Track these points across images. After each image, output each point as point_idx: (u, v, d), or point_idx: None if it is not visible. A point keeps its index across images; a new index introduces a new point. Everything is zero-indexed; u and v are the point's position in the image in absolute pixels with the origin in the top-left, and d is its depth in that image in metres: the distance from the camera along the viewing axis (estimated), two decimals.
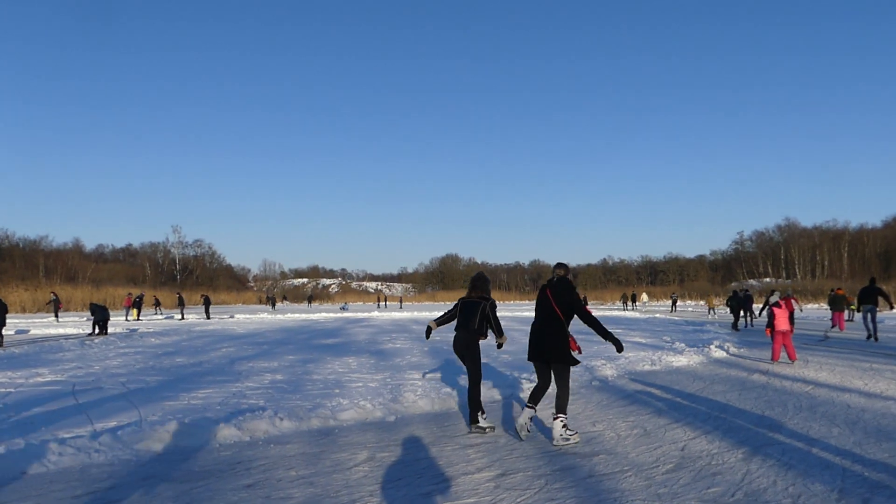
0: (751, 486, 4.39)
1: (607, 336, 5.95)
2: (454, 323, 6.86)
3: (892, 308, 16.70)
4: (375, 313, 45.60)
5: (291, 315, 42.51)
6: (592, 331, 6.03)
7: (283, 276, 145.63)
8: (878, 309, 17.42)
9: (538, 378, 6.21)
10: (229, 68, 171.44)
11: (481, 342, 6.72)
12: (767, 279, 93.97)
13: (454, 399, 7.98)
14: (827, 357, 12.77)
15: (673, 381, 9.75)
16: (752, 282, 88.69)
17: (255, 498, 4.30)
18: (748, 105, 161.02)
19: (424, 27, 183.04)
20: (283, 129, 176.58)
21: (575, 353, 5.99)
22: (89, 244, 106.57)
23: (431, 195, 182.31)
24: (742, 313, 24.38)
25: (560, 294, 6.05)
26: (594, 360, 11.82)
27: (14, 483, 4.65)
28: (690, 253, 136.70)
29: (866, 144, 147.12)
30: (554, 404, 5.95)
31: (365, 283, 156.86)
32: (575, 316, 6.10)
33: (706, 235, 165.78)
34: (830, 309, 22.62)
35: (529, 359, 6.19)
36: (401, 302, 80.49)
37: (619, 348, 5.99)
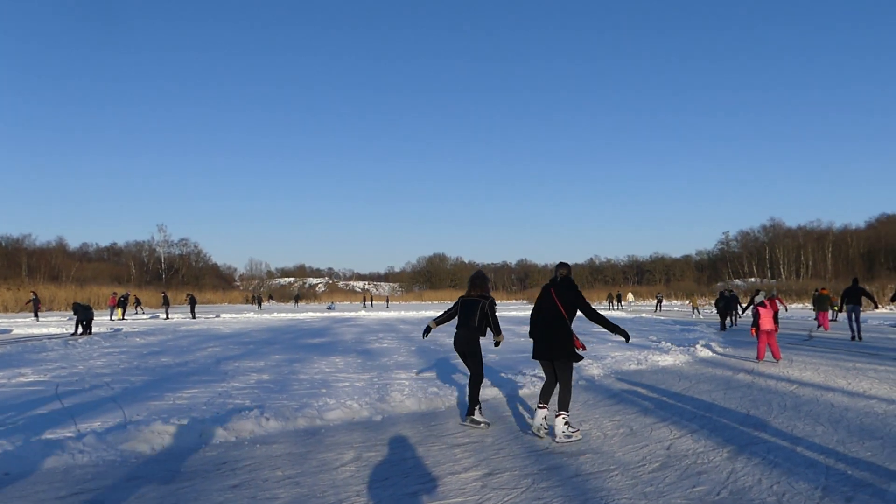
0: (736, 485, 4.41)
1: (615, 329, 6.14)
2: (454, 321, 7.00)
3: (876, 307, 16.91)
4: (362, 313, 45.52)
5: (278, 315, 42.32)
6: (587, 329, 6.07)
7: (270, 275, 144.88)
8: (861, 309, 17.61)
9: (546, 376, 6.36)
10: (216, 67, 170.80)
11: (481, 340, 6.83)
12: (752, 279, 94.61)
13: (441, 399, 7.97)
14: (811, 356, 12.88)
15: (659, 381, 9.80)
16: (737, 282, 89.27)
17: (240, 498, 4.28)
18: (734, 106, 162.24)
19: (416, 27, 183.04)
20: (271, 129, 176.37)
21: (579, 351, 6.10)
22: (73, 243, 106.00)
23: (419, 194, 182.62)
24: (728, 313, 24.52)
25: (565, 293, 6.18)
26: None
27: None
28: (676, 253, 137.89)
29: (851, 146, 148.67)
30: (556, 402, 6.08)
31: (352, 282, 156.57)
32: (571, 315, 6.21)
33: (692, 235, 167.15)
34: (815, 309, 22.82)
35: (534, 357, 6.33)
36: (387, 301, 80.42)
37: (627, 338, 6.35)
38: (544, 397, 6.22)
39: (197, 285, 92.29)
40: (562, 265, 6.45)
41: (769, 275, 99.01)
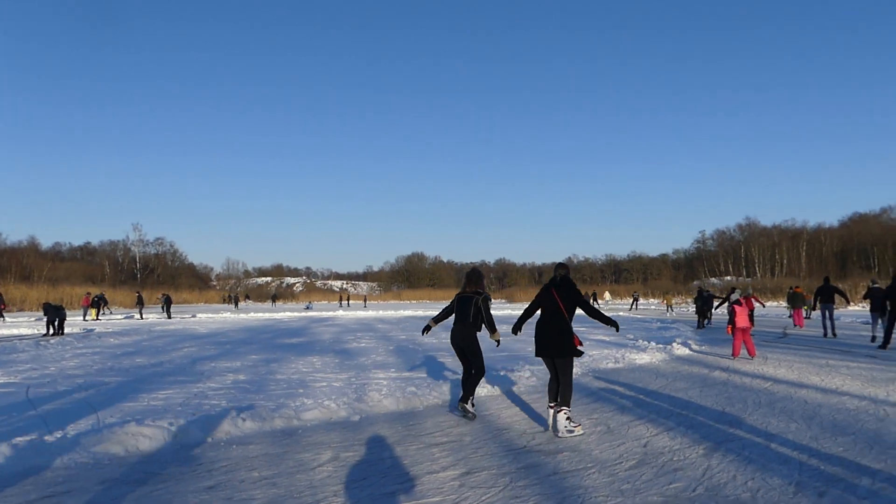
0: (711, 481, 4.45)
1: (608, 321, 6.55)
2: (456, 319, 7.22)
3: (847, 304, 17.20)
4: (340, 312, 45.35)
5: (255, 314, 42.03)
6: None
7: (247, 274, 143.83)
8: (835, 307, 17.90)
9: (550, 373, 6.59)
10: (195, 65, 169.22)
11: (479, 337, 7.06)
12: (728, 277, 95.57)
13: (419, 398, 7.95)
14: (785, 354, 13.03)
15: (636, 379, 9.85)
16: (713, 280, 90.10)
17: (216, 500, 4.24)
18: (710, 107, 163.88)
19: (385, 25, 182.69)
20: (247, 127, 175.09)
21: (578, 348, 6.32)
22: (45, 242, 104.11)
23: (398, 193, 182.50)
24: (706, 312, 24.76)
25: (565, 293, 6.40)
26: None
27: None
28: (654, 252, 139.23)
29: (825, 146, 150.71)
30: (557, 397, 6.30)
31: (330, 281, 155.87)
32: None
33: (669, 235, 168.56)
34: (789, 306, 23.12)
35: (537, 354, 6.51)
36: (365, 301, 79.95)
37: (617, 328, 6.71)
38: (552, 395, 6.48)
39: (173, 285, 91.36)
40: (561, 265, 6.68)
41: (745, 273, 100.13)
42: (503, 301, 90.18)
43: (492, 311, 7.35)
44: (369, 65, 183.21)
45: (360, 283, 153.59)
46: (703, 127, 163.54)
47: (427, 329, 7.67)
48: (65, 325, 21.92)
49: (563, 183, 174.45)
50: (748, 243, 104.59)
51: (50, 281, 68.12)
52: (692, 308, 44.13)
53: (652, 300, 73.03)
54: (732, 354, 12.32)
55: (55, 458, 5.20)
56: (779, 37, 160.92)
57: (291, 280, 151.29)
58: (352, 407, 7.34)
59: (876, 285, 15.51)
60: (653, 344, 14.43)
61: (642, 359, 12.24)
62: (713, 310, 24.33)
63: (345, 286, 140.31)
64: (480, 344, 7.19)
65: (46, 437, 5.73)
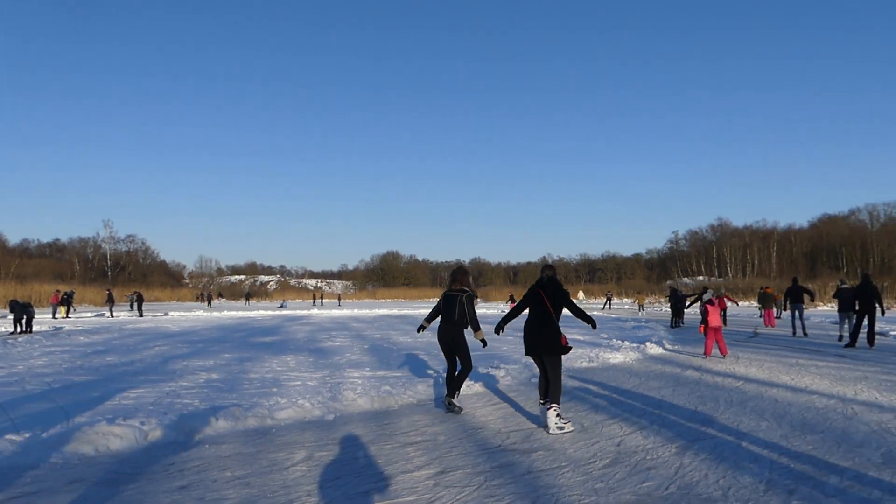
0: (684, 480, 4.49)
1: (588, 319, 6.82)
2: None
3: (812, 300, 17.64)
4: (315, 311, 45.11)
5: (228, 313, 41.59)
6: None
7: (220, 272, 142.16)
8: (804, 307, 18.22)
9: (540, 370, 6.80)
10: (170, 60, 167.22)
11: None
12: (701, 277, 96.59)
13: (394, 397, 7.94)
14: (756, 353, 13.20)
15: (609, 378, 9.92)
16: (686, 280, 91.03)
17: (188, 500, 4.20)
18: (683, 109, 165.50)
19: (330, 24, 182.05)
20: (222, 124, 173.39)
21: (566, 345, 6.48)
22: (13, 238, 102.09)
23: (373, 192, 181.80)
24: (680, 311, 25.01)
25: (553, 293, 6.62)
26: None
27: None
28: (627, 251, 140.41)
29: (795, 149, 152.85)
30: (546, 395, 6.52)
31: (304, 280, 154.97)
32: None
33: (643, 235, 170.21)
34: (760, 306, 23.45)
35: (527, 353, 6.75)
36: (339, 299, 79.44)
37: (594, 326, 6.99)
38: (542, 392, 6.73)
39: (144, 283, 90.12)
40: (548, 267, 6.96)
41: (717, 273, 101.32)
42: (478, 301, 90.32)
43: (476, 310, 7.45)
44: (350, 63, 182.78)
45: (335, 281, 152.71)
46: (676, 129, 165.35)
47: (421, 328, 7.83)
48: (33, 322, 21.54)
49: (539, 183, 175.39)
50: (720, 244, 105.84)
51: (17, 278, 66.72)
52: (665, 308, 44.68)
53: (625, 300, 73.60)
54: (704, 353, 12.47)
55: (23, 458, 5.12)
56: (751, 40, 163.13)
57: (265, 278, 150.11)
58: (326, 406, 7.31)
59: (844, 286, 15.78)
60: (627, 343, 14.52)
61: (616, 358, 12.32)
62: (686, 308, 24.58)
63: (319, 285, 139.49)
64: (467, 341, 7.35)
65: (14, 437, 5.62)
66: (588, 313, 6.92)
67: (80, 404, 7.57)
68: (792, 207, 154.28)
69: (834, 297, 16.46)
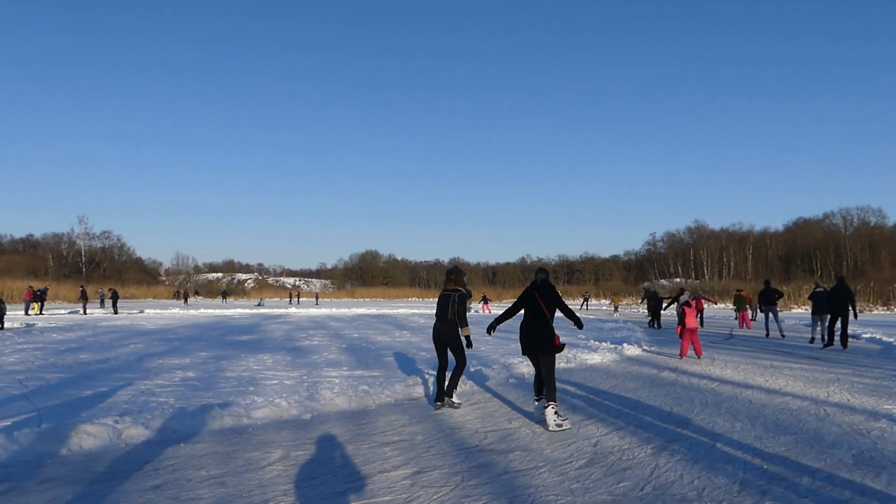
0: (659, 481, 4.53)
1: (576, 319, 7.12)
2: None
3: (780, 297, 18.14)
4: (293, 310, 44.87)
5: (205, 311, 41.26)
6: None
7: (197, 270, 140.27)
8: (779, 309, 18.52)
9: (535, 369, 7.11)
10: (148, 54, 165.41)
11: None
12: (678, 279, 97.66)
13: (372, 397, 7.92)
14: (731, 355, 13.34)
15: (587, 379, 9.97)
16: (663, 282, 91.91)
17: (162, 499, 4.15)
18: (660, 112, 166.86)
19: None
20: (200, 120, 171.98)
21: (559, 344, 6.80)
22: None
23: (352, 190, 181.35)
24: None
25: (546, 294, 6.87)
26: (511, 357, 11.99)
27: None
28: (605, 253, 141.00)
29: (771, 153, 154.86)
30: (543, 394, 6.74)
31: (282, 278, 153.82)
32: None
33: (621, 236, 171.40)
34: (735, 308, 23.76)
35: (523, 353, 7.01)
36: (317, 298, 78.93)
37: (580, 327, 7.46)
38: (538, 391, 7.00)
39: (119, 280, 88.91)
40: (541, 270, 7.24)
41: (693, 275, 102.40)
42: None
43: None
44: (325, 60, 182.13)
45: (314, 280, 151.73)
46: (655, 132, 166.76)
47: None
48: (4, 319, 21.20)
49: (518, 184, 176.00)
50: (697, 246, 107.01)
51: None
52: (642, 309, 45.09)
53: (603, 301, 74.11)
54: (680, 354, 12.59)
55: None
56: (730, 46, 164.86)
57: (243, 276, 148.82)
58: (303, 405, 7.27)
59: (819, 289, 16.01)
60: (604, 344, 14.60)
61: (593, 359, 12.38)
62: (663, 310, 24.81)
63: (298, 283, 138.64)
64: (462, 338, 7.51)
65: None
66: (577, 315, 7.15)
67: (52, 402, 7.46)
68: (767, 211, 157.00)
69: (809, 298, 16.71)
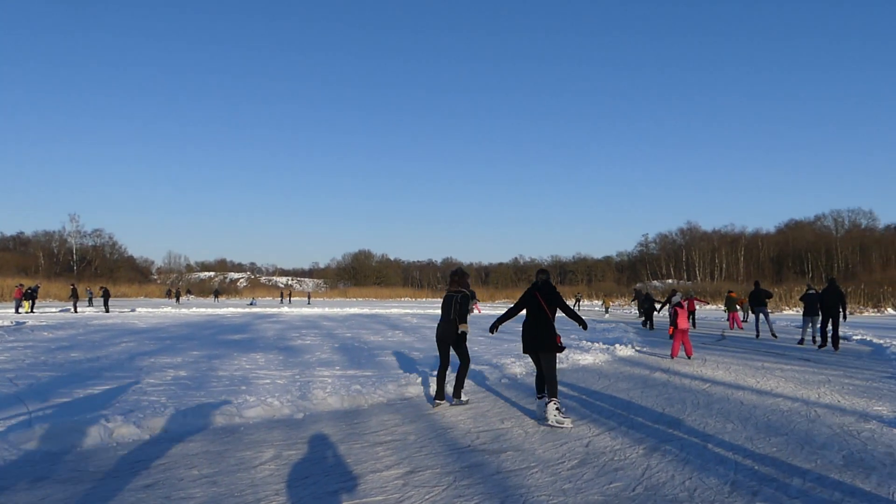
0: (650, 481, 4.54)
1: (580, 320, 7.25)
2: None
3: (769, 297, 18.44)
4: (285, 309, 44.77)
5: (197, 310, 41.12)
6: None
7: (189, 269, 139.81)
8: (769, 311, 18.65)
9: (536, 367, 7.28)
10: (141, 51, 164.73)
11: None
12: (670, 280, 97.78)
13: (364, 396, 7.91)
14: (723, 356, 13.39)
15: (579, 379, 9.99)
16: (655, 283, 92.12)
17: (154, 498, 4.14)
18: (654, 114, 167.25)
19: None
20: (193, 118, 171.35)
21: (559, 344, 6.96)
22: None
23: (344, 190, 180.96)
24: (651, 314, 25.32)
25: (548, 295, 7.07)
26: (503, 358, 12.00)
27: None
28: (598, 254, 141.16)
29: (763, 155, 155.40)
30: (544, 389, 7.06)
31: (275, 277, 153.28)
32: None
33: (613, 237, 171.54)
34: (726, 310, 23.89)
35: (524, 351, 7.20)
36: (309, 297, 78.66)
37: (585, 327, 7.35)
38: (540, 388, 7.23)
39: (111, 278, 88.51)
40: (542, 271, 7.51)
41: (685, 276, 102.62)
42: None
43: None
44: (316, 58, 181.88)
45: (306, 279, 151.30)
46: (648, 133, 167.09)
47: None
48: None
49: (511, 184, 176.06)
50: (689, 247, 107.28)
51: None
52: (633, 310, 45.31)
53: (595, 301, 74.28)
54: (671, 355, 12.64)
55: None
56: (722, 48, 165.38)
57: (235, 275, 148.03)
58: (295, 405, 7.26)
59: (811, 290, 16.10)
60: (596, 345, 14.63)
61: (586, 359, 12.40)
62: (657, 312, 24.90)
63: (290, 282, 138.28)
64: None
65: None
66: (580, 315, 7.35)
67: (43, 400, 7.42)
68: (759, 213, 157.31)
69: (800, 299, 16.80)
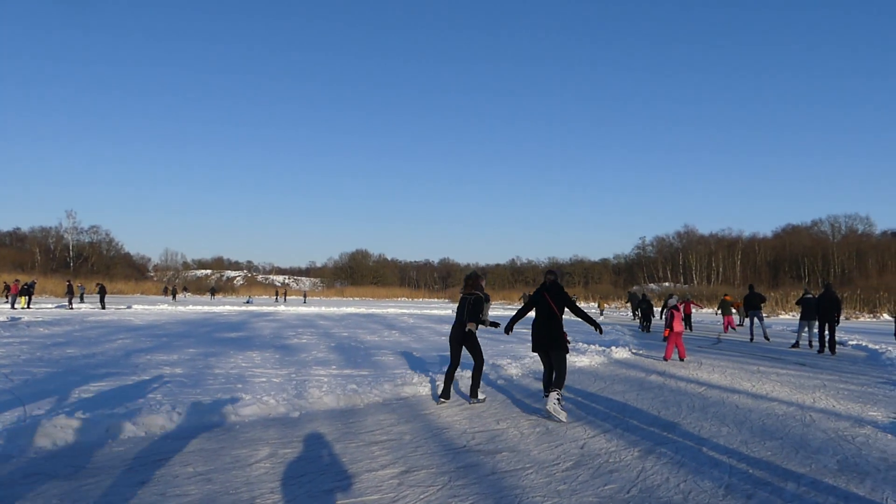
0: (645, 483, 4.55)
1: (593, 322, 7.57)
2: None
3: (764, 302, 18.61)
4: (281, 308, 44.74)
5: (193, 307, 41.11)
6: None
7: (186, 266, 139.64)
8: (765, 315, 18.73)
9: (544, 366, 7.59)
10: (139, 48, 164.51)
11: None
12: (667, 283, 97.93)
13: (360, 395, 7.91)
14: (719, 359, 13.42)
15: (575, 381, 9.99)
16: (652, 286, 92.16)
17: (149, 495, 4.14)
18: (652, 117, 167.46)
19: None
20: (190, 116, 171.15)
21: (568, 344, 7.35)
22: None
23: (342, 189, 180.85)
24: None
25: (556, 295, 7.37)
26: (500, 359, 12.01)
27: None
28: (595, 256, 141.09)
29: (760, 160, 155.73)
30: (549, 388, 7.23)
31: (272, 276, 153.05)
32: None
33: (610, 240, 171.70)
34: (721, 313, 23.96)
35: (534, 350, 7.54)
36: (304, 296, 78.44)
37: (601, 331, 7.62)
38: (547, 388, 7.46)
39: (108, 275, 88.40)
40: (550, 272, 7.79)
41: (682, 279, 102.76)
42: (447, 301, 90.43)
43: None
44: (313, 58, 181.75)
45: (303, 278, 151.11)
46: (645, 137, 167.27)
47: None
48: None
49: (509, 185, 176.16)
50: (686, 250, 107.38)
51: None
52: (628, 313, 45.40)
53: (592, 304, 74.33)
54: (665, 357, 12.68)
55: None
56: (719, 52, 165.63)
57: (232, 273, 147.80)
58: (291, 403, 7.25)
59: (808, 295, 16.16)
60: (592, 347, 14.63)
61: (582, 361, 12.41)
62: (655, 317, 24.97)
63: (287, 281, 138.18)
64: (479, 339, 8.06)
65: None
66: (593, 318, 7.61)
67: (38, 397, 7.41)
68: (756, 217, 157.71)
69: (797, 304, 16.86)
